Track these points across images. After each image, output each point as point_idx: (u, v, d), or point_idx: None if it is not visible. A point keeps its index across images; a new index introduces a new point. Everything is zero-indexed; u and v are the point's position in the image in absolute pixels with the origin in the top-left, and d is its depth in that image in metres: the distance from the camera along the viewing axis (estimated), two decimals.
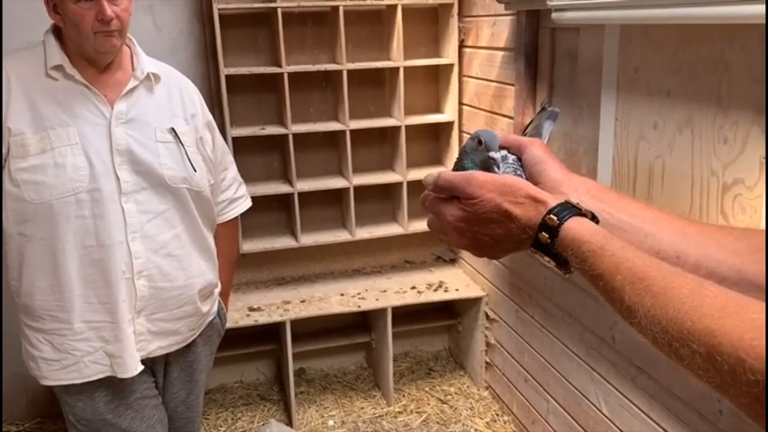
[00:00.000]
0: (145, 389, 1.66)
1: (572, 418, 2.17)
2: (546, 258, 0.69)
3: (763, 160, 1.28)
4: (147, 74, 1.59)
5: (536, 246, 0.68)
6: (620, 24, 1.68)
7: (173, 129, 1.60)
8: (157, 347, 1.60)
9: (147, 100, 1.59)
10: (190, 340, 1.71)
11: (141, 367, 1.57)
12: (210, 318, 1.79)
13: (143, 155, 1.53)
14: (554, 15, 1.80)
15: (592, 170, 1.94)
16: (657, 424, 1.73)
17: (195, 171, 1.62)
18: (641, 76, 1.64)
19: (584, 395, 2.07)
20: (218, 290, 1.81)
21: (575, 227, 0.65)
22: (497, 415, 2.73)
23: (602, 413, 1.98)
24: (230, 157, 1.90)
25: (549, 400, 2.31)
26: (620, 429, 1.90)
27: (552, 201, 0.68)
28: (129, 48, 1.62)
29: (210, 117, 1.79)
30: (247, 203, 1.95)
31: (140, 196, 1.53)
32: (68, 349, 1.53)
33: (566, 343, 2.17)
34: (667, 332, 0.53)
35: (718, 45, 1.38)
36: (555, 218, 0.66)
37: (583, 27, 1.95)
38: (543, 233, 0.67)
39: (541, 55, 2.25)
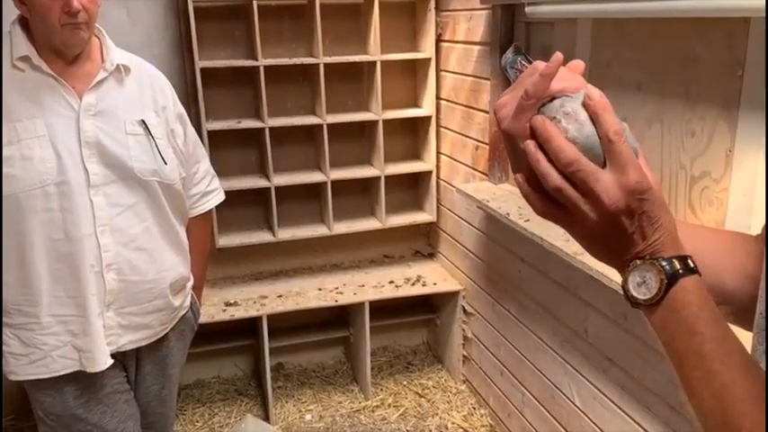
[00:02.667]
0: (116, 383, 1.64)
1: (546, 410, 2.18)
2: (642, 293, 0.59)
3: (729, 153, 1.29)
4: (117, 66, 1.57)
5: (654, 265, 0.58)
6: (593, 19, 1.69)
7: (143, 121, 1.58)
8: (128, 341, 1.59)
9: (117, 92, 1.57)
10: (161, 334, 1.69)
11: (111, 361, 1.55)
12: (183, 312, 1.78)
13: (112, 147, 1.51)
14: (528, 9, 1.81)
15: None
16: (628, 415, 1.75)
17: (166, 164, 1.60)
18: (613, 71, 1.65)
19: (557, 387, 2.09)
20: (190, 284, 1.80)
21: (692, 289, 0.58)
22: (474, 408, 2.74)
23: (575, 405, 2.00)
24: (203, 150, 1.89)
25: (525, 393, 2.33)
26: (592, 421, 1.92)
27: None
28: (99, 39, 1.60)
29: (182, 109, 1.77)
30: (220, 197, 1.94)
31: (110, 189, 1.51)
32: (36, 344, 1.51)
33: (540, 336, 2.18)
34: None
35: (688, 40, 1.40)
36: (679, 265, 0.58)
37: (557, 21, 1.95)
38: (665, 263, 0.58)
39: None
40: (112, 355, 1.56)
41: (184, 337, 1.85)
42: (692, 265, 0.59)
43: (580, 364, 1.96)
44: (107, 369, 1.55)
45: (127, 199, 1.54)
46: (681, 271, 0.58)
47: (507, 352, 2.45)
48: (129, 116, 1.56)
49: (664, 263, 0.58)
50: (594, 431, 1.90)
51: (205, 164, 1.88)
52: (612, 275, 1.53)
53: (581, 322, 1.92)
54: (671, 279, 0.58)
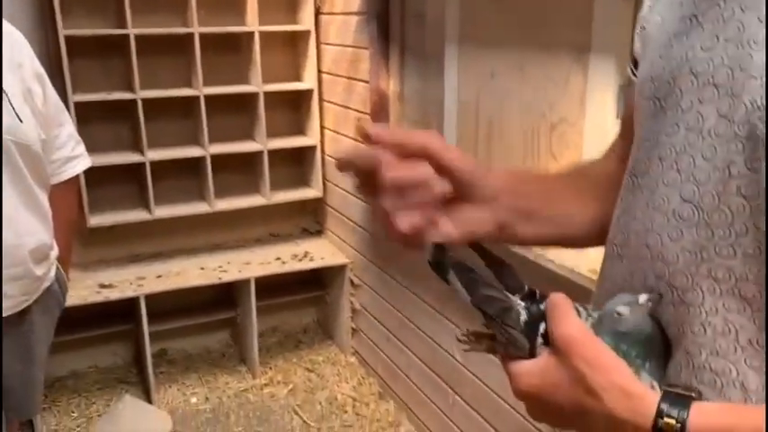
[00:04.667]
0: None
1: (429, 368, 2.24)
2: None
3: (583, 97, 1.38)
4: None
5: None
6: None
7: None
8: None
9: None
10: (23, 306, 1.58)
11: None
12: (47, 284, 1.67)
13: None
14: None
15: (440, 125, 2.00)
16: None
17: (21, 122, 1.50)
18: (481, 29, 1.72)
19: (439, 345, 2.15)
20: (54, 253, 1.69)
21: (700, 422, 0.54)
22: (363, 378, 2.76)
23: (455, 359, 2.06)
24: (66, 115, 1.77)
25: (410, 356, 2.37)
26: (471, 372, 1.99)
27: (651, 396, 0.56)
28: None
29: (41, 69, 1.65)
30: (86, 163, 1.83)
31: None
32: None
33: (423, 298, 2.24)
34: None
35: None
36: (673, 421, 0.54)
37: None
38: None
39: (393, 18, 2.30)
40: None
41: (50, 312, 1.73)
42: (675, 423, 0.54)
43: (459, 320, 2.02)
44: None
45: None
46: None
47: (393, 318, 2.49)
48: None
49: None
50: (473, 380, 1.97)
51: (69, 128, 1.77)
52: None
53: None
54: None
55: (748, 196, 0.54)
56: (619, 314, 0.61)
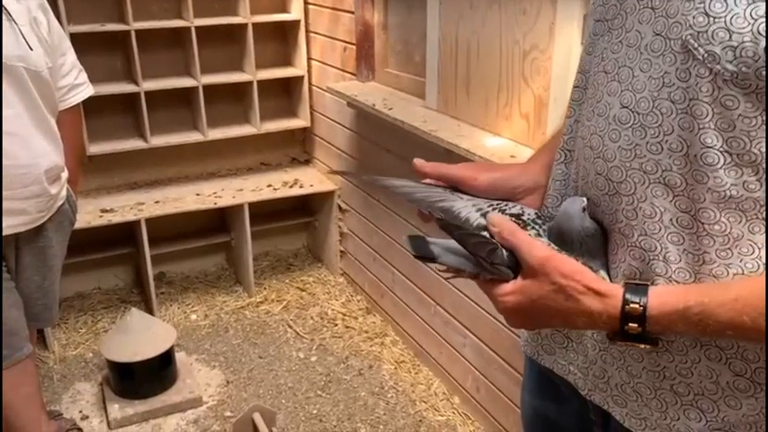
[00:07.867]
0: None
1: (412, 283, 2.43)
2: (631, 344, 0.70)
3: (552, 26, 1.51)
4: None
5: (624, 337, 0.69)
6: None
7: (3, 7, 1.56)
8: (6, 227, 1.62)
9: None
10: (39, 222, 1.72)
11: None
12: (60, 203, 1.81)
13: None
14: None
15: (422, 55, 2.12)
16: None
17: (32, 50, 1.60)
18: None
19: None
20: (65, 175, 1.82)
21: (660, 303, 0.67)
22: (351, 295, 2.96)
23: (437, 273, 2.25)
24: (68, 43, 1.88)
25: (395, 272, 2.56)
26: (450, 283, 2.18)
27: (617, 290, 0.69)
28: None
29: None
30: (90, 90, 1.94)
31: None
32: None
33: (406, 218, 2.40)
34: None
35: None
36: (637, 305, 0.67)
37: None
38: (631, 324, 0.68)
39: None
40: None
41: (63, 229, 1.88)
42: (638, 307, 0.67)
43: (438, 234, 2.19)
44: None
45: None
46: (638, 314, 0.67)
47: (379, 239, 2.66)
48: None
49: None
50: (453, 291, 2.17)
51: (72, 56, 1.88)
52: (460, 144, 1.74)
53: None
54: (642, 323, 0.67)
55: (675, 101, 0.66)
56: (569, 216, 0.75)
